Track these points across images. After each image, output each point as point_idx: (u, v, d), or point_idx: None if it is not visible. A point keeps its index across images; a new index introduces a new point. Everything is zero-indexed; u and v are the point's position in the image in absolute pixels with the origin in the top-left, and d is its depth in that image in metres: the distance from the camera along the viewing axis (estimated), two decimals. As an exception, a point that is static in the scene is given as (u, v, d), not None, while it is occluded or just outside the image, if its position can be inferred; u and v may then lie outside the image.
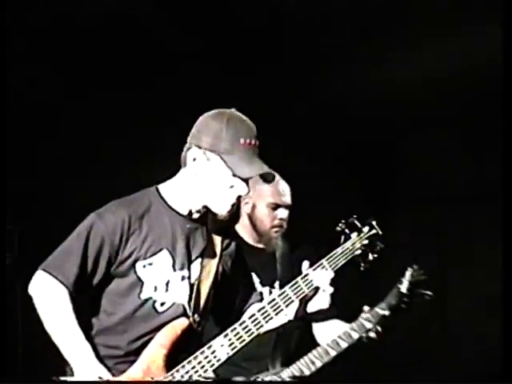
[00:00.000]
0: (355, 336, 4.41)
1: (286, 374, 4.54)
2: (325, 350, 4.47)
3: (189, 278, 3.84)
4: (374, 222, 4.06)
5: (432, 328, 8.06)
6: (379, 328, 4.42)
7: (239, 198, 3.78)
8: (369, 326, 4.42)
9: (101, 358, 3.62)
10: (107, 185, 4.78)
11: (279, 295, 3.69)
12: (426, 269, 5.56)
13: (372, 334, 4.41)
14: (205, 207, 3.77)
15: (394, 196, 7.98)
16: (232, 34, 6.83)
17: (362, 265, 4.02)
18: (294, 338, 4.68)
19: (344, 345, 4.42)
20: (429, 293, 4.47)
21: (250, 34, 6.85)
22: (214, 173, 3.66)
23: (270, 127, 4.32)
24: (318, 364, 4.45)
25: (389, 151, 7.97)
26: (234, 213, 4.07)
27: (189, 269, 3.86)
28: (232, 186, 3.67)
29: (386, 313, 4.40)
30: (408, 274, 4.45)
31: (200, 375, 3.66)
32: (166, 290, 3.79)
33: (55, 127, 7.21)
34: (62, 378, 3.52)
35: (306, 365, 4.50)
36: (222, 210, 3.74)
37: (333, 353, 4.46)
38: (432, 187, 8.02)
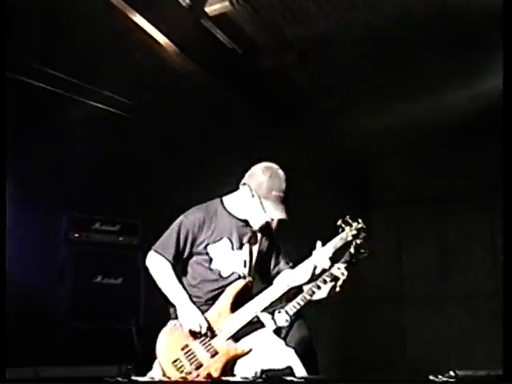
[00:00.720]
0: (328, 279, 4.93)
1: (289, 305, 5.06)
2: (311, 289, 4.99)
3: (242, 255, 4.43)
4: (359, 220, 4.54)
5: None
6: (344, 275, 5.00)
7: (266, 221, 4.46)
8: (336, 273, 4.97)
9: (194, 302, 4.26)
10: (192, 195, 5.01)
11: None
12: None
13: (337, 283, 5.02)
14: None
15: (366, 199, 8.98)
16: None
17: (353, 246, 4.69)
18: None
19: (323, 286, 4.95)
20: (367, 251, 4.97)
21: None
22: (254, 205, 4.34)
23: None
24: (308, 298, 5.01)
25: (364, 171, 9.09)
26: None
27: (241, 250, 4.43)
28: (263, 214, 4.34)
29: (344, 265, 4.97)
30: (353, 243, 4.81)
31: (252, 313, 4.31)
32: (227, 263, 4.39)
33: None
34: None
35: (301, 299, 5.04)
36: (255, 225, 4.43)
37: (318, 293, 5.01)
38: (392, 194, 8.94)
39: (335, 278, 4.99)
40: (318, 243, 4.38)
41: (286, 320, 5.01)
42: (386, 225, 8.70)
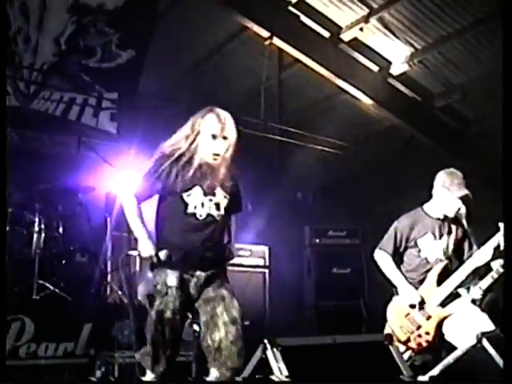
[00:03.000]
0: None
1: (482, 282, 4.48)
2: (497, 269, 4.41)
3: (442, 244, 4.55)
4: None
5: None
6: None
7: (458, 207, 4.47)
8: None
9: (410, 282, 4.48)
10: (393, 208, 5.08)
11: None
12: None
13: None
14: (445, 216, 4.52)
15: None
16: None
17: None
18: None
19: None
20: None
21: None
22: (445, 195, 4.47)
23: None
24: (495, 276, 4.40)
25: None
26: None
27: (441, 240, 4.55)
28: (454, 200, 4.43)
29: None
30: None
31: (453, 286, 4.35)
32: (432, 251, 4.55)
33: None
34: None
35: (491, 277, 4.46)
36: (451, 213, 4.51)
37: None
38: None
39: None
40: (501, 225, 4.31)
41: (480, 294, 4.69)
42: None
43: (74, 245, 5.87)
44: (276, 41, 7.34)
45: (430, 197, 4.68)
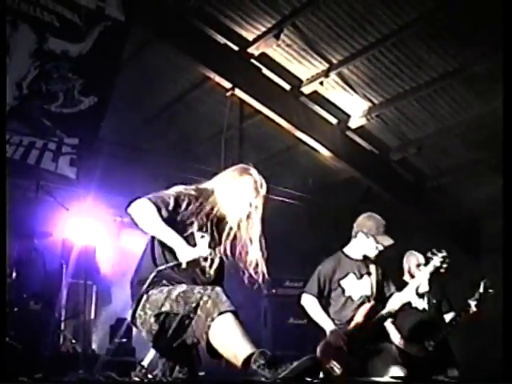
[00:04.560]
0: (463, 313, 5.02)
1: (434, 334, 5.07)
2: (451, 321, 5.10)
3: (364, 283, 4.70)
4: (443, 250, 4.63)
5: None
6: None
7: (379, 251, 4.65)
8: (469, 308, 5.00)
9: (336, 324, 4.59)
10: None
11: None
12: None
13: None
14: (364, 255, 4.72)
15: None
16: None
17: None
18: None
19: (458, 319, 5.08)
20: (493, 291, 4.94)
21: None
22: (370, 242, 4.64)
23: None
24: (449, 328, 5.07)
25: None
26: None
27: (362, 279, 4.70)
28: (377, 246, 4.62)
29: (475, 302, 4.98)
30: (482, 284, 5.04)
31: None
32: (355, 290, 4.69)
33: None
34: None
35: (444, 328, 5.09)
36: (372, 256, 4.68)
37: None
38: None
39: (468, 311, 5.05)
40: (416, 271, 4.79)
41: (430, 345, 5.03)
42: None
43: (28, 291, 5.67)
44: (238, 92, 7.45)
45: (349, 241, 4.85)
